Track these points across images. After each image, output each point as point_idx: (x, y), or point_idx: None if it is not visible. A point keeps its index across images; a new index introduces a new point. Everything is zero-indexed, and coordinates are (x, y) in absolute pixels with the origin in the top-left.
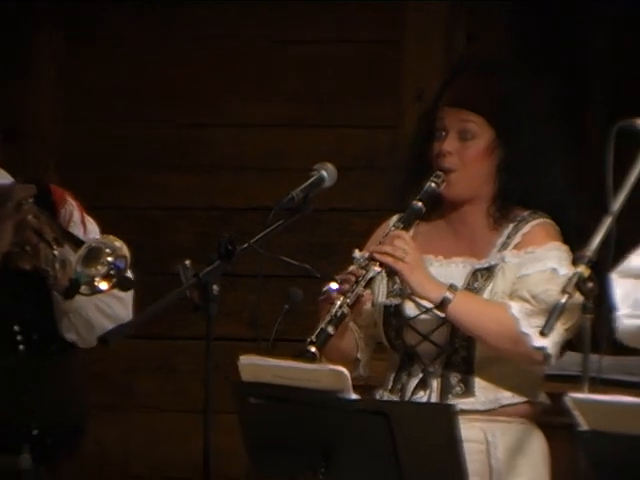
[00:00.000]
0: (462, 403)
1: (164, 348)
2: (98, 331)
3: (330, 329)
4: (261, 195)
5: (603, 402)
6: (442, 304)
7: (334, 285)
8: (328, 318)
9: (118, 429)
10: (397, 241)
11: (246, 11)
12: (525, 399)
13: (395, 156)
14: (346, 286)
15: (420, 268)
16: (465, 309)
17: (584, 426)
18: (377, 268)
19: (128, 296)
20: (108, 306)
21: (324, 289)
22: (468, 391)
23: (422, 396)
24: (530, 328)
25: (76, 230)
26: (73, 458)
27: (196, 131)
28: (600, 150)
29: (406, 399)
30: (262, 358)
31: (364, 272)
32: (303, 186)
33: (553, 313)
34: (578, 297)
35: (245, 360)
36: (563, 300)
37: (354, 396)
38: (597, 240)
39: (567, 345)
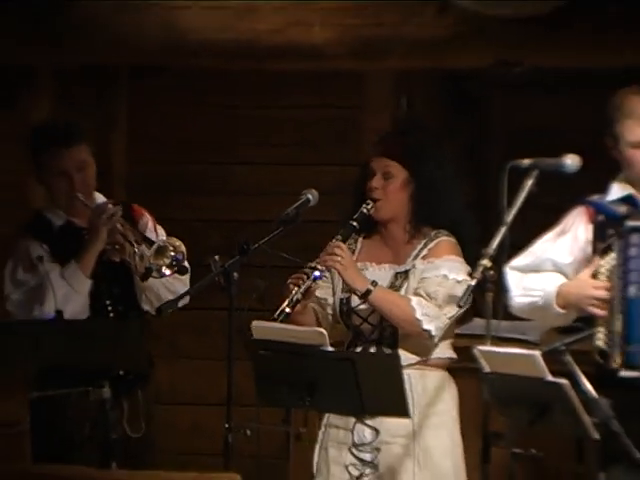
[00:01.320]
0: None
1: (202, 316)
2: (156, 311)
3: (288, 309)
4: (266, 212)
5: (499, 352)
6: (365, 294)
7: (317, 272)
8: (286, 304)
9: (169, 370)
10: (336, 249)
11: (252, 85)
12: (426, 357)
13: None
14: (295, 287)
15: (351, 268)
16: (381, 299)
17: (487, 369)
18: (322, 267)
19: (186, 278)
20: (172, 285)
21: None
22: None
23: None
24: (422, 316)
25: (150, 234)
26: (144, 390)
27: (222, 168)
28: (498, 181)
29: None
30: (267, 322)
31: (313, 270)
32: (295, 205)
33: (467, 291)
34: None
35: (256, 324)
36: (473, 282)
37: (330, 348)
38: (495, 243)
39: (476, 313)
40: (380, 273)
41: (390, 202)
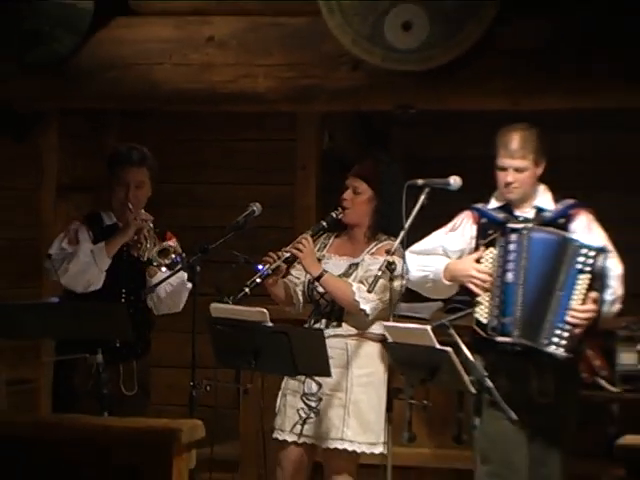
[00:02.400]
0: (336, 330)
1: None
2: (162, 308)
3: (258, 281)
4: (222, 220)
5: (400, 327)
6: (318, 278)
7: (260, 266)
8: (248, 283)
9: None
10: (303, 241)
11: (212, 124)
12: (363, 331)
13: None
14: (267, 264)
15: (309, 257)
16: (329, 283)
17: (390, 340)
18: (287, 254)
19: (185, 295)
20: (173, 297)
21: (255, 266)
22: (339, 326)
23: (320, 325)
24: (360, 298)
25: (169, 245)
26: (139, 359)
27: (189, 187)
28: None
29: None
30: (222, 304)
31: (282, 255)
32: (243, 215)
33: (374, 281)
34: (396, 284)
35: (214, 305)
36: (379, 274)
37: (270, 324)
38: (397, 243)
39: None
40: (340, 263)
41: (356, 212)
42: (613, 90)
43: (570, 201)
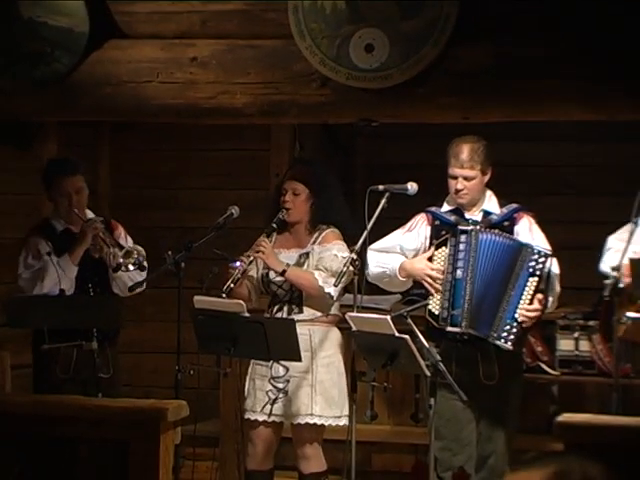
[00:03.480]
0: (299, 317)
1: (160, 292)
2: (127, 289)
3: (232, 285)
4: (204, 222)
5: (363, 317)
6: (282, 273)
7: (238, 263)
8: (230, 281)
9: (139, 329)
10: (262, 243)
11: (195, 135)
12: (326, 313)
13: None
14: (240, 265)
15: (272, 256)
16: (293, 275)
17: (354, 328)
18: (253, 256)
19: (144, 273)
20: (134, 276)
21: (230, 264)
22: (300, 311)
23: (280, 314)
24: (323, 283)
25: (122, 241)
26: (112, 344)
27: (175, 192)
28: (363, 199)
29: (272, 316)
30: (205, 297)
31: (248, 257)
32: (223, 217)
33: (340, 275)
34: (350, 271)
35: (197, 298)
36: (344, 269)
37: (247, 314)
38: (360, 243)
39: (347, 290)
40: (289, 255)
41: (297, 210)
42: (553, 105)
43: (514, 205)
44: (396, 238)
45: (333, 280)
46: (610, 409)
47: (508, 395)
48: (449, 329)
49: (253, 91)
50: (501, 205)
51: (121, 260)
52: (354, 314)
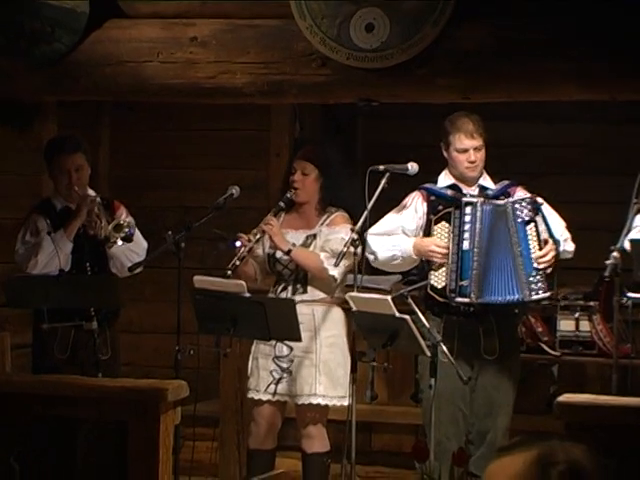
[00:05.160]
0: (302, 297)
1: (160, 272)
2: (124, 269)
3: (238, 263)
4: (204, 201)
5: (363, 297)
6: (288, 252)
7: (238, 242)
8: (236, 258)
9: (139, 310)
10: (270, 221)
11: (195, 115)
12: (330, 295)
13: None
14: (246, 242)
15: (279, 234)
16: (299, 255)
17: (355, 308)
18: (260, 233)
19: (143, 254)
20: (131, 255)
21: (229, 244)
22: (305, 292)
23: (285, 294)
24: (328, 265)
25: (122, 220)
26: (111, 325)
27: (175, 172)
28: (363, 179)
29: (278, 296)
30: (205, 277)
31: (255, 235)
32: (223, 197)
33: (340, 256)
34: (351, 252)
35: (196, 278)
36: (344, 249)
37: (248, 294)
38: (360, 223)
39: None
40: (296, 235)
41: (306, 190)
42: (552, 85)
43: (506, 181)
44: (395, 219)
45: (339, 262)
46: (610, 389)
47: (508, 370)
48: (458, 300)
49: (253, 71)
50: (494, 182)
51: (110, 233)
52: (354, 294)
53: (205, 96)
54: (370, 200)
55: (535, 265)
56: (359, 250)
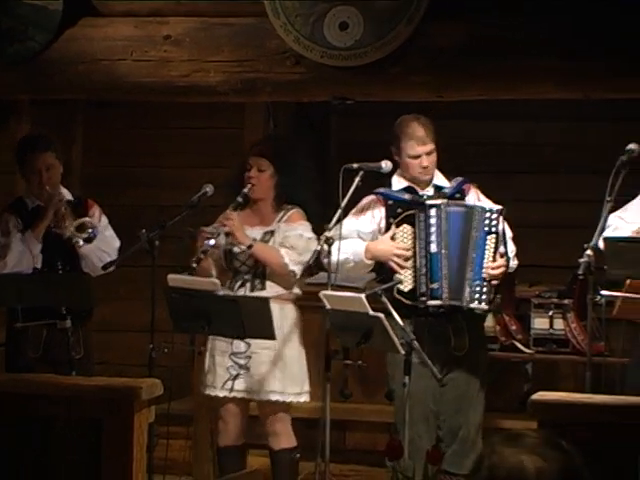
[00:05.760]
0: (261, 293)
1: (134, 270)
2: (97, 269)
3: (202, 256)
4: (178, 200)
5: (337, 295)
6: (249, 247)
7: (212, 241)
8: (200, 251)
9: (112, 308)
10: (231, 217)
11: (169, 113)
12: (287, 291)
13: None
14: (208, 235)
15: (240, 229)
16: (261, 250)
17: (328, 307)
18: (222, 228)
19: (114, 253)
20: (102, 255)
21: (205, 242)
22: (263, 288)
23: (243, 290)
24: (289, 261)
25: (95, 221)
26: (83, 324)
27: (150, 170)
28: (337, 177)
29: (233, 294)
30: (179, 275)
31: (217, 229)
32: (197, 195)
33: (313, 255)
34: (325, 250)
35: (171, 276)
36: (318, 248)
37: (222, 292)
38: (334, 220)
39: (321, 268)
40: (253, 232)
41: (262, 187)
42: (526, 83)
43: (460, 178)
44: (351, 224)
45: (298, 258)
46: (584, 387)
47: (477, 365)
48: (430, 303)
49: (227, 69)
50: (448, 179)
51: (72, 233)
52: (328, 292)
53: (179, 94)
54: (344, 198)
55: (484, 275)
56: (333, 249)
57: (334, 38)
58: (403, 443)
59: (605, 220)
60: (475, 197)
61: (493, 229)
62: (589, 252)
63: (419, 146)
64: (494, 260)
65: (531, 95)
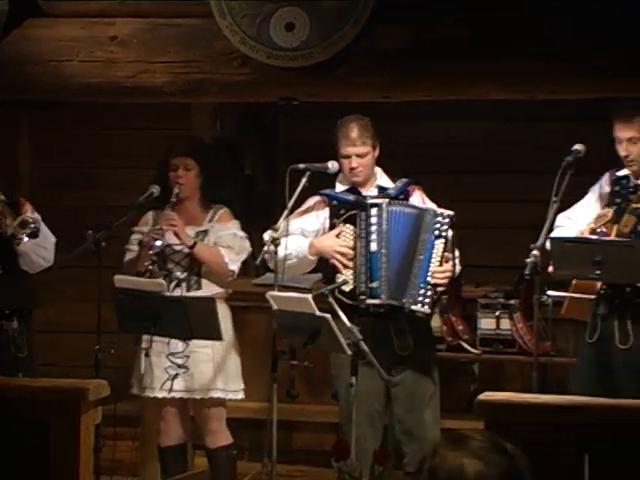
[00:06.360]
0: (197, 293)
1: (81, 271)
2: (36, 266)
3: (155, 258)
4: (125, 200)
5: (284, 296)
6: (191, 247)
7: (158, 242)
8: (152, 254)
9: (58, 309)
10: (173, 217)
11: (115, 114)
12: (222, 290)
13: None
14: (154, 237)
15: (183, 229)
16: (201, 250)
17: (275, 307)
18: (164, 229)
19: (51, 248)
20: (41, 252)
21: (151, 244)
22: (199, 287)
23: (180, 291)
24: (228, 260)
25: (27, 216)
26: (31, 319)
27: (96, 171)
28: (284, 178)
29: (169, 294)
30: (125, 277)
31: (158, 231)
32: (143, 196)
33: (262, 257)
34: (272, 250)
35: (117, 277)
36: (271, 248)
37: (168, 293)
38: (281, 220)
39: (268, 269)
40: (188, 232)
41: (189, 186)
42: (471, 84)
43: (405, 180)
44: (295, 222)
45: (236, 257)
46: (531, 387)
47: (425, 364)
48: (370, 302)
49: (173, 70)
50: (392, 180)
51: (16, 230)
52: (275, 293)
53: (125, 95)
54: (290, 199)
55: (429, 279)
56: (279, 249)
57: (280, 39)
58: (350, 443)
59: (552, 220)
60: (420, 199)
61: (443, 234)
62: (536, 252)
63: (349, 147)
64: (440, 264)
65: (475, 96)
